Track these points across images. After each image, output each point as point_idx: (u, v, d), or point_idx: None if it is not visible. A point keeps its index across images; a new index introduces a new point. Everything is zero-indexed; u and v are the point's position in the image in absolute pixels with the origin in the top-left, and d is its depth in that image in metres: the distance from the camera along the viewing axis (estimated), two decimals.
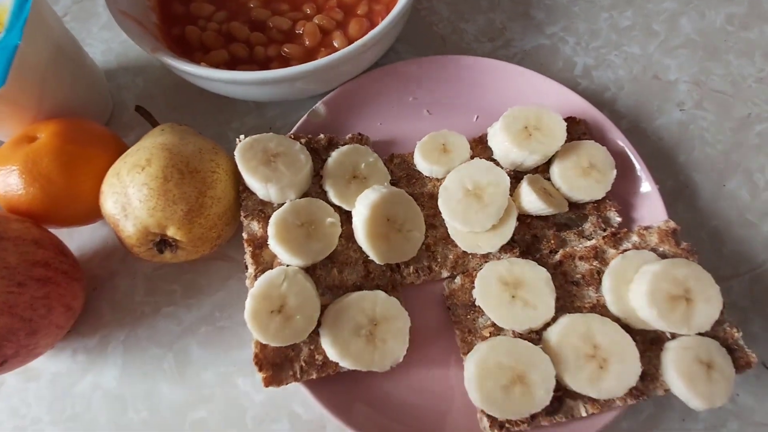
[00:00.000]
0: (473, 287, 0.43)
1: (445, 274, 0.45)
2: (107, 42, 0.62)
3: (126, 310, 0.48)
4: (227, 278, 0.49)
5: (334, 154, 0.47)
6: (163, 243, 0.41)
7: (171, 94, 0.58)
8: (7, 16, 0.41)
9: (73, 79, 0.49)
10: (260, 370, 0.38)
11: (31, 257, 0.38)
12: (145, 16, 0.52)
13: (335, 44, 0.53)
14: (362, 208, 0.42)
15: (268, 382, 0.38)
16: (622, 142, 0.50)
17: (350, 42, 0.54)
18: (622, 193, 0.48)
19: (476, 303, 0.42)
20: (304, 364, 0.40)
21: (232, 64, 0.53)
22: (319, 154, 0.48)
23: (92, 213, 0.45)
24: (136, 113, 0.51)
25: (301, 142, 0.47)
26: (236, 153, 0.43)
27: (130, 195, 0.39)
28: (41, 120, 0.46)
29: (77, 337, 0.47)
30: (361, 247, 0.44)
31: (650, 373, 0.39)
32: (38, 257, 0.39)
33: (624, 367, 0.37)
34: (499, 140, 0.47)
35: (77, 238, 0.50)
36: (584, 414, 0.38)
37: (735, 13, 0.63)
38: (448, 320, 0.45)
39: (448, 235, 0.46)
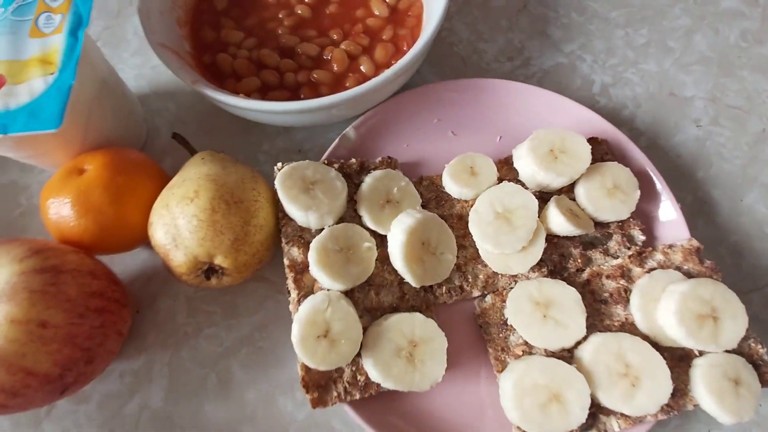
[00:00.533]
0: (504, 306, 0.45)
1: (476, 293, 0.47)
2: (138, 67, 0.64)
3: (169, 332, 0.50)
4: (264, 299, 0.51)
5: (368, 180, 0.48)
6: (210, 270, 0.43)
7: (203, 119, 0.60)
8: (58, 56, 0.43)
9: (114, 109, 0.51)
10: (307, 392, 0.40)
11: (88, 288, 0.41)
12: (179, 46, 0.54)
13: (362, 69, 0.55)
14: (398, 233, 0.44)
15: (316, 404, 0.40)
16: (642, 161, 0.51)
17: (377, 67, 0.56)
18: (645, 210, 0.50)
19: (508, 322, 0.44)
20: (347, 385, 0.42)
21: (263, 91, 0.55)
22: (351, 179, 0.50)
23: (138, 240, 0.47)
24: (170, 139, 0.53)
25: (335, 168, 0.49)
26: (276, 182, 0.45)
27: (180, 226, 0.41)
28: (85, 151, 0.48)
29: (123, 359, 0.49)
30: (395, 270, 0.46)
31: (680, 389, 0.41)
32: (94, 288, 0.41)
33: (656, 385, 0.39)
34: (525, 163, 0.49)
35: (119, 262, 0.52)
36: (617, 429, 0.40)
37: (748, 29, 0.65)
38: (478, 337, 0.47)
39: (478, 255, 0.48)
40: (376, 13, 0.58)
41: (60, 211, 0.44)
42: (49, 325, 0.38)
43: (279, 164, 0.47)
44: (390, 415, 0.44)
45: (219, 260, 0.42)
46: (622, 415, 0.40)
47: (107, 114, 0.49)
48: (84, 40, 0.43)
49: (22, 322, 0.37)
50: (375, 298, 0.45)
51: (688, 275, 0.45)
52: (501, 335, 0.45)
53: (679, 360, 0.42)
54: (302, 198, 0.44)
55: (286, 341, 0.49)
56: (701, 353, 0.42)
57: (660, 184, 0.50)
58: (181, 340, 0.50)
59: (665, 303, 0.41)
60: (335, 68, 0.55)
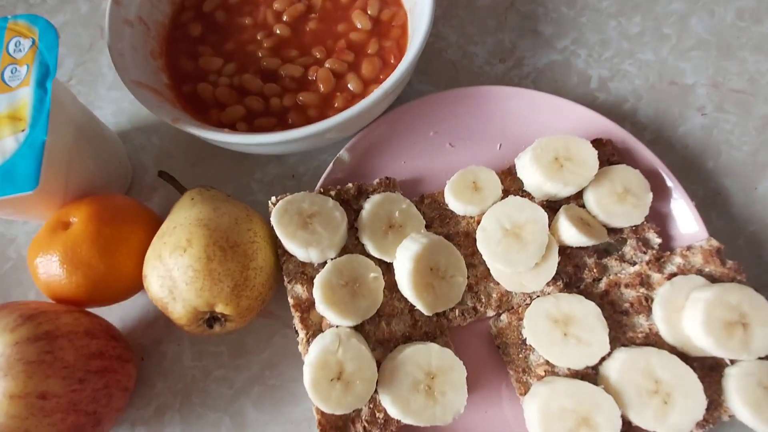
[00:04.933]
0: (521, 325, 0.43)
1: (490, 313, 0.45)
2: (117, 102, 0.62)
3: (176, 378, 0.48)
4: (272, 335, 0.49)
5: (367, 206, 0.46)
6: (212, 319, 0.41)
7: (189, 150, 0.58)
8: (28, 110, 0.40)
9: (95, 155, 0.48)
10: None
11: (87, 350, 0.39)
12: (156, 79, 0.52)
13: (350, 87, 0.53)
14: (405, 260, 0.42)
15: None
16: (650, 158, 0.49)
17: (365, 83, 0.54)
18: (657, 209, 0.48)
19: (527, 342, 0.42)
20: (366, 424, 0.40)
21: (249, 119, 0.52)
22: (350, 205, 0.48)
23: (133, 288, 0.45)
24: (157, 176, 0.51)
25: (331, 195, 0.47)
26: (272, 219, 0.43)
27: (175, 278, 0.39)
28: (69, 201, 0.46)
29: (133, 409, 0.47)
30: (405, 297, 0.44)
31: (714, 401, 0.39)
32: (93, 349, 0.39)
33: (689, 402, 0.37)
34: (529, 173, 0.46)
35: (117, 311, 0.50)
36: None
37: (745, 8, 0.62)
38: (497, 358, 0.45)
39: (489, 272, 0.46)
40: (359, 26, 0.56)
41: (48, 269, 0.42)
42: (49, 396, 0.36)
43: (273, 198, 0.45)
44: None
45: (220, 308, 0.40)
46: None
47: (87, 161, 0.47)
48: (54, 88, 0.41)
49: (21, 396, 0.35)
50: (386, 328, 0.43)
51: (711, 278, 0.43)
52: (521, 355, 0.43)
53: (710, 370, 0.40)
54: (301, 234, 0.42)
55: (297, 377, 0.47)
56: (733, 362, 0.40)
57: (671, 181, 0.48)
58: (189, 385, 0.48)
59: (690, 312, 0.39)
60: (322, 89, 0.53)
